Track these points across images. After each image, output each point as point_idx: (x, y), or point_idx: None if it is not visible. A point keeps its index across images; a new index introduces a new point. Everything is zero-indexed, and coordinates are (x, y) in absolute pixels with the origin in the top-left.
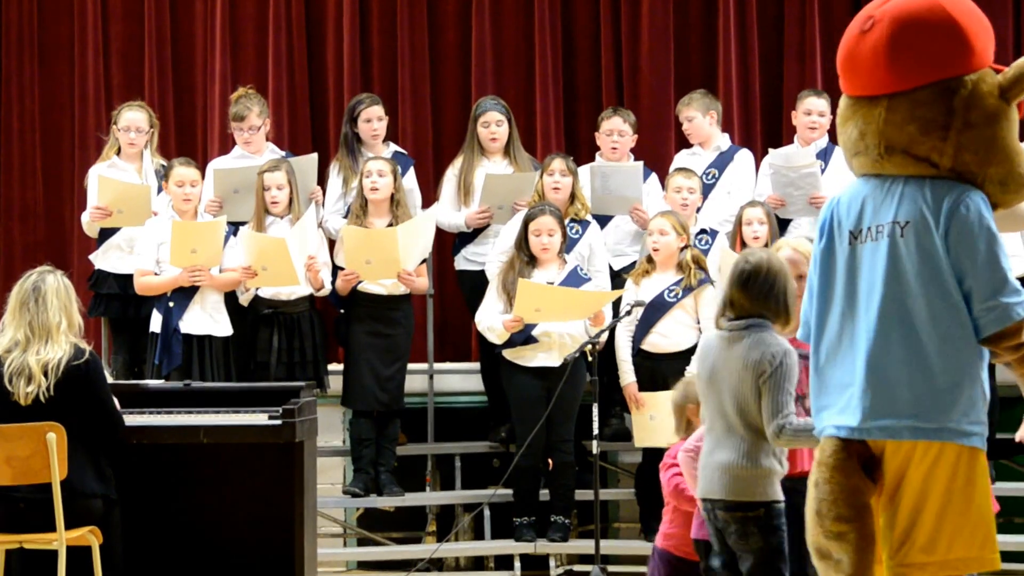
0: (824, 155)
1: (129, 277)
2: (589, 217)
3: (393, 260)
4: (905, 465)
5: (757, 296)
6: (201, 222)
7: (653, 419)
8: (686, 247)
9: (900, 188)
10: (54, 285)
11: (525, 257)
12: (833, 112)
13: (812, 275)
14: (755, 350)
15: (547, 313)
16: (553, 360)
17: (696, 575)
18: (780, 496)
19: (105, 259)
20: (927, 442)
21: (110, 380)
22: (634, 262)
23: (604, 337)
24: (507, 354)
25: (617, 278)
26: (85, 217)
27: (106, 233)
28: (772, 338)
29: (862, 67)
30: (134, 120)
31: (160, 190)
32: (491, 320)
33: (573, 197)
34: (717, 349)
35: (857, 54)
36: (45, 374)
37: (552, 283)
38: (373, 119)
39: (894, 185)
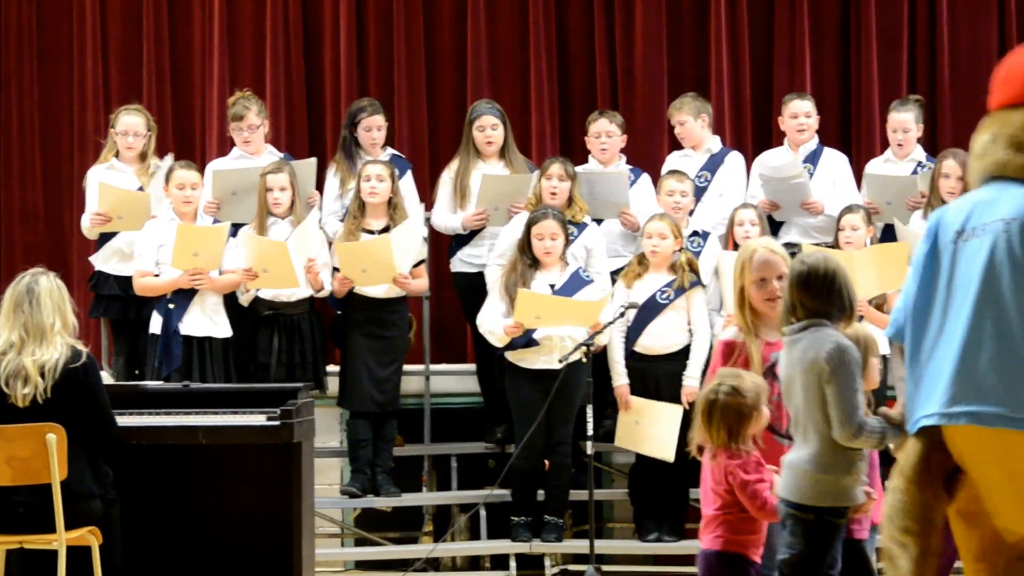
0: (813, 157)
1: (129, 279)
2: (587, 219)
3: (388, 266)
4: (989, 456)
5: (819, 295)
6: (206, 226)
7: (638, 424)
8: (679, 249)
9: (1015, 189)
10: (47, 286)
11: (528, 260)
12: (820, 113)
13: (911, 276)
14: (811, 350)
15: (547, 320)
16: (554, 363)
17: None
18: (843, 501)
19: (106, 261)
20: (1014, 431)
21: (110, 381)
22: (629, 262)
23: (603, 339)
24: (509, 357)
25: (611, 279)
26: (85, 222)
27: (107, 235)
28: (828, 336)
29: (1016, 78)
30: (131, 124)
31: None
32: (492, 323)
33: (571, 200)
34: (784, 355)
35: (1016, 67)
36: (42, 375)
37: (554, 286)
38: (374, 128)
39: (1010, 187)
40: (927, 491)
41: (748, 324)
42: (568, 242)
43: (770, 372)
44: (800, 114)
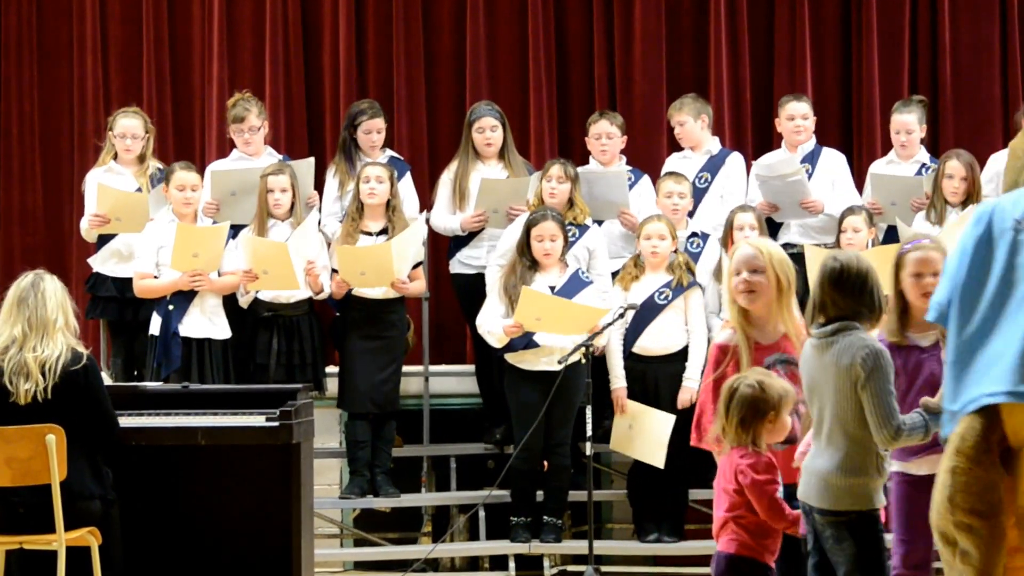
0: (811, 158)
1: (127, 280)
2: (588, 221)
3: (387, 271)
4: None
5: (850, 294)
6: (205, 227)
7: (631, 428)
8: (675, 251)
9: None
10: (52, 285)
11: (527, 261)
12: (820, 113)
13: (959, 262)
14: (846, 355)
15: (547, 324)
16: (554, 365)
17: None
18: (876, 503)
19: (104, 262)
20: None
21: (108, 382)
22: (625, 265)
23: (603, 341)
24: (508, 358)
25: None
26: (84, 224)
27: (105, 237)
28: (862, 339)
29: None
30: (129, 127)
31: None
32: (491, 324)
33: (572, 202)
34: (812, 358)
35: None
36: (43, 373)
37: (554, 287)
38: (373, 131)
39: None
40: (992, 470)
41: (742, 325)
42: (568, 243)
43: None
44: (797, 116)
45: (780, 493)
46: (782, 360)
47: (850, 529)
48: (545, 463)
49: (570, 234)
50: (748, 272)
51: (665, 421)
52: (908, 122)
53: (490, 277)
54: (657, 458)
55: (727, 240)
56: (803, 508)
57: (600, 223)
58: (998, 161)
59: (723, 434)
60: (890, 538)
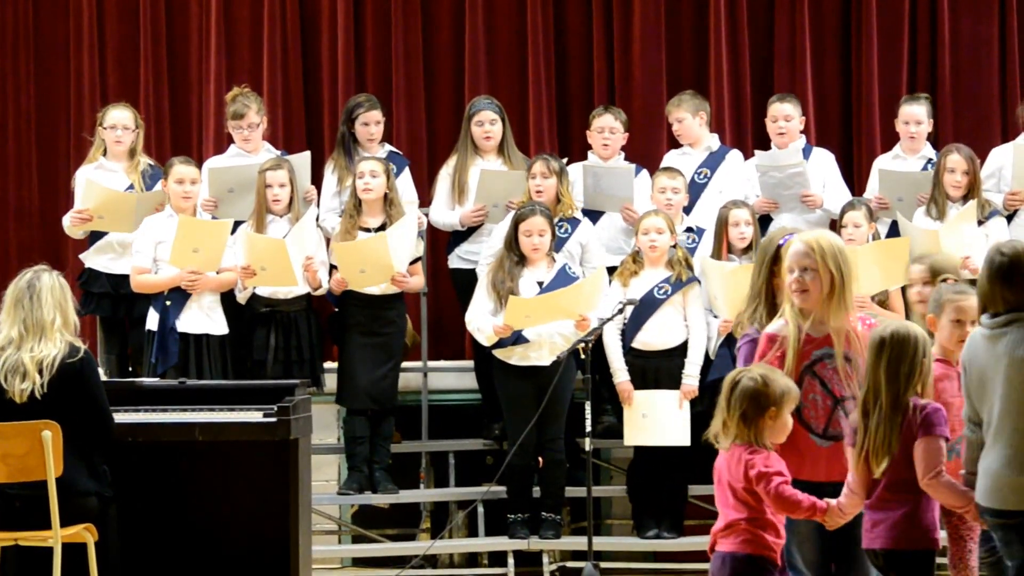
0: (803, 157)
1: (120, 276)
2: (578, 215)
3: (386, 266)
4: None
5: (1019, 286)
6: (208, 221)
7: (645, 417)
8: (674, 245)
9: None
10: (49, 283)
11: (515, 257)
12: (821, 110)
13: None
14: (1021, 347)
15: (536, 318)
16: (543, 359)
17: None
18: None
19: (97, 258)
20: None
21: (103, 379)
22: (623, 260)
23: (595, 334)
24: (498, 354)
25: (611, 274)
26: (66, 220)
27: (98, 232)
28: None
29: None
30: (120, 118)
31: (150, 190)
32: (480, 322)
33: (559, 197)
34: (982, 349)
35: None
36: (40, 371)
37: (542, 282)
38: (371, 123)
39: None
40: None
41: (796, 317)
42: (555, 238)
43: (809, 370)
44: (779, 117)
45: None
46: (829, 355)
47: (1017, 532)
48: (540, 459)
49: (561, 229)
50: (800, 271)
51: (672, 398)
52: (918, 113)
53: (482, 273)
54: (682, 437)
55: (721, 237)
56: (979, 510)
57: (597, 218)
58: (998, 156)
59: (724, 429)
60: None
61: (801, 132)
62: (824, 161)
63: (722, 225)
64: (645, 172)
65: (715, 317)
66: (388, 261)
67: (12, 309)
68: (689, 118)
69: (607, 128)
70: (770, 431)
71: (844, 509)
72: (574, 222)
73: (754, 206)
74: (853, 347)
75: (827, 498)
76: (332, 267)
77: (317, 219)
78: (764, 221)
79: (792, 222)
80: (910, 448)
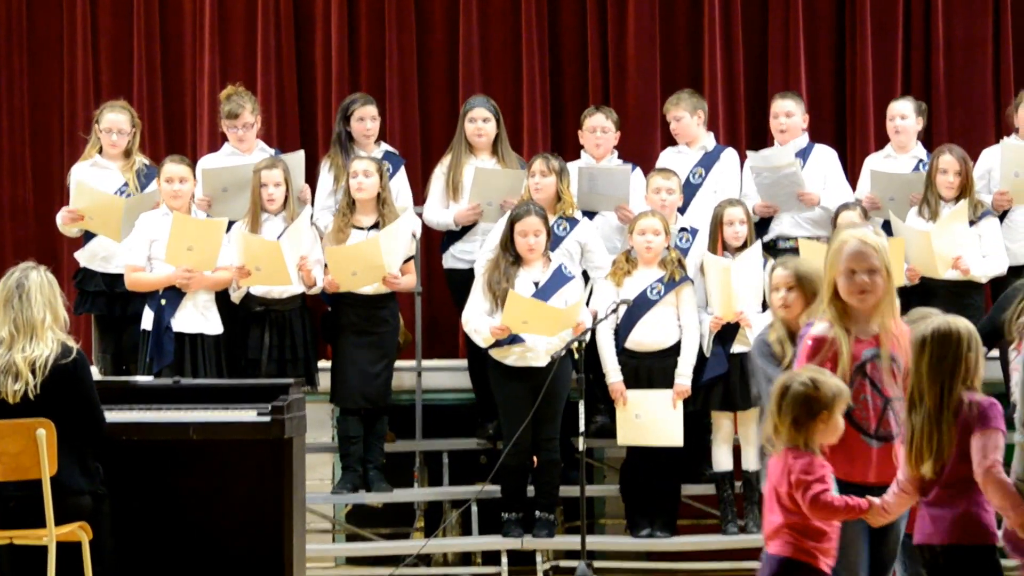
0: (803, 154)
1: (115, 275)
2: (577, 214)
3: (377, 267)
4: None
5: None
6: (203, 220)
7: (639, 417)
8: (668, 247)
9: None
10: (38, 281)
11: (511, 257)
12: (814, 109)
13: None
14: None
15: (533, 327)
16: (539, 360)
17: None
18: None
19: (91, 257)
20: None
21: (99, 377)
22: (616, 260)
23: (588, 335)
24: (493, 354)
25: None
26: (59, 218)
27: (92, 232)
28: None
29: None
30: (116, 122)
31: (144, 190)
32: (477, 323)
33: (559, 195)
34: None
35: None
36: (33, 372)
37: (538, 283)
38: (366, 118)
39: None
40: None
41: (839, 318)
42: (551, 238)
43: (860, 371)
44: (780, 114)
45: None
46: (878, 355)
47: None
48: (535, 459)
49: (560, 228)
50: (865, 273)
51: (666, 397)
52: (902, 108)
53: (479, 273)
54: (675, 438)
55: (715, 235)
56: None
57: (592, 216)
58: (988, 157)
59: (775, 433)
60: None
61: (804, 129)
62: (826, 158)
63: (717, 223)
64: (639, 171)
65: (709, 314)
66: (379, 263)
67: (2, 309)
68: (687, 117)
69: (599, 128)
70: (822, 434)
71: (889, 507)
72: (573, 221)
73: (754, 209)
74: (898, 347)
75: (869, 496)
76: (326, 266)
77: (311, 217)
78: (763, 220)
79: (791, 221)
80: (967, 444)
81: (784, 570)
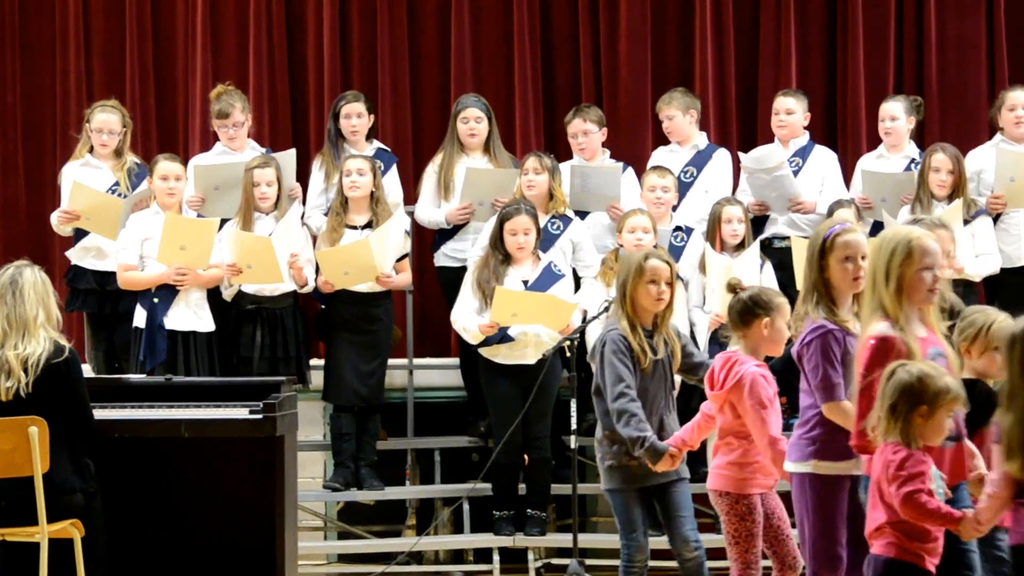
0: (803, 153)
1: (106, 273)
2: (570, 213)
3: (369, 267)
4: None
5: None
6: (194, 219)
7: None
8: (656, 245)
9: None
10: (31, 279)
11: (500, 255)
12: (811, 110)
13: None
14: None
15: (523, 318)
16: (529, 358)
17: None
18: None
19: (83, 256)
20: None
21: (90, 375)
22: (604, 259)
23: (576, 323)
24: (483, 352)
25: None
26: (54, 218)
27: (82, 230)
28: None
29: None
30: (107, 122)
31: (135, 190)
32: (466, 320)
33: (552, 194)
34: None
35: None
36: (25, 370)
37: (527, 281)
38: (352, 115)
39: None
40: None
41: (903, 317)
42: (540, 237)
43: None
44: (781, 111)
45: (939, 494)
46: (940, 354)
47: None
48: (526, 457)
49: (553, 227)
50: (934, 271)
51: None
52: (892, 109)
53: (470, 271)
54: None
55: (713, 233)
56: None
57: (584, 216)
58: (976, 158)
59: (878, 423)
60: None
61: (805, 128)
62: (824, 159)
63: (715, 222)
64: (631, 170)
65: (706, 313)
66: (371, 263)
67: None
68: (680, 116)
69: (579, 132)
70: (921, 430)
71: (981, 518)
72: (566, 220)
73: (748, 207)
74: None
75: (964, 508)
76: (318, 266)
77: (303, 216)
78: (759, 219)
79: (786, 220)
80: None
81: (889, 572)
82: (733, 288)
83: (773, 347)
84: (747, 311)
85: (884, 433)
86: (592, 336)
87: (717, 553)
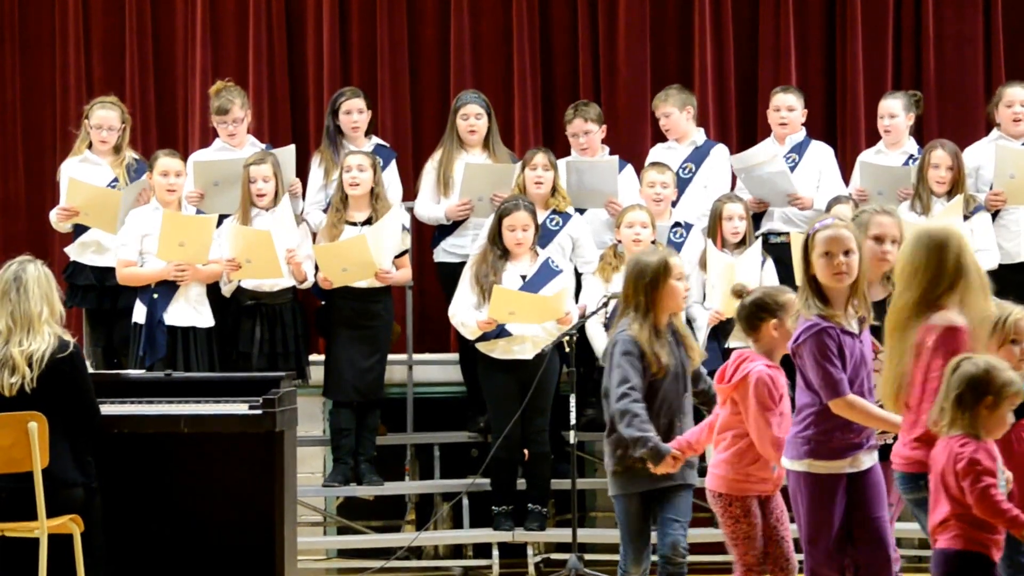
0: (799, 149)
1: (105, 269)
2: (570, 209)
3: (367, 263)
4: None
5: None
6: (193, 216)
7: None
8: (654, 241)
9: None
10: (35, 274)
11: (498, 251)
12: (805, 106)
13: None
14: None
15: (520, 316)
16: (526, 353)
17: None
18: None
19: (82, 252)
20: None
21: (89, 370)
22: (603, 255)
23: (574, 319)
24: (481, 347)
25: None
26: (52, 215)
27: (81, 226)
28: None
29: None
30: (106, 118)
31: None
32: (464, 316)
33: (554, 190)
34: None
35: None
36: (30, 366)
37: (525, 276)
38: (353, 111)
39: None
40: None
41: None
42: (539, 232)
43: None
44: (782, 107)
45: (1003, 487)
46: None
47: None
48: (525, 452)
49: (553, 223)
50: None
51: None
52: (891, 106)
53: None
54: None
55: (714, 231)
56: None
57: (583, 212)
58: (974, 155)
59: (942, 414)
60: None
61: (802, 124)
62: (821, 155)
63: (716, 219)
64: (630, 166)
65: (707, 309)
66: (369, 259)
67: None
68: (676, 112)
69: (580, 131)
70: (986, 421)
71: None
72: (565, 216)
73: (747, 203)
74: None
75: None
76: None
77: (302, 212)
78: (755, 215)
79: (782, 216)
80: None
81: (961, 564)
82: (739, 293)
83: (786, 346)
84: (753, 316)
85: (949, 425)
86: (591, 331)
87: (712, 549)
